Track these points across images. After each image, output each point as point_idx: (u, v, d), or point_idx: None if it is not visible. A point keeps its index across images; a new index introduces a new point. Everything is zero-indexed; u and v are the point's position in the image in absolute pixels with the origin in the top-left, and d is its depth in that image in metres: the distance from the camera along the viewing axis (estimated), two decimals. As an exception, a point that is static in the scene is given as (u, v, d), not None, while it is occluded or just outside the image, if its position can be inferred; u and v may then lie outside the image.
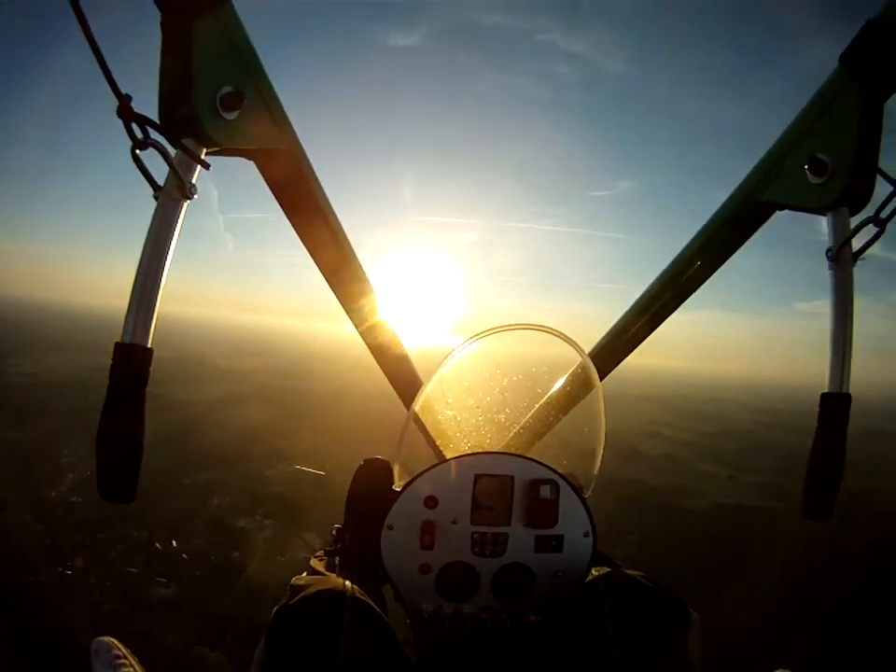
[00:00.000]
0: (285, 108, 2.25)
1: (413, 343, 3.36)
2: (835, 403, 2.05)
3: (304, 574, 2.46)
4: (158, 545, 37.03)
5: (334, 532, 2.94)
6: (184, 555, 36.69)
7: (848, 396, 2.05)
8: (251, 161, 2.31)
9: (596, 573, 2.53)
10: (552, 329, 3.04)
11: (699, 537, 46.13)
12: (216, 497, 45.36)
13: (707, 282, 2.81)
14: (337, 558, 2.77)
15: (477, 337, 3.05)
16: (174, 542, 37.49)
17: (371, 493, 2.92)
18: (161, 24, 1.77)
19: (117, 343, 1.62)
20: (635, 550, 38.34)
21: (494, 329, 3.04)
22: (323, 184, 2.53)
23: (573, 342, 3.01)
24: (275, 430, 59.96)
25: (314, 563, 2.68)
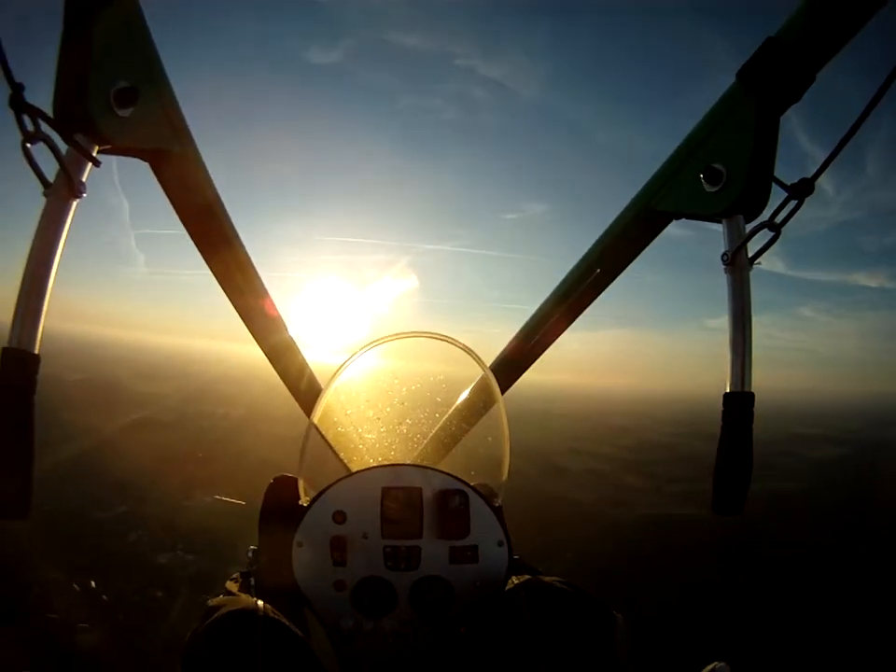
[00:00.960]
0: (183, 111, 2.27)
1: (317, 359, 3.49)
2: (738, 401, 2.16)
3: (221, 596, 2.41)
4: (76, 587, 34.85)
5: (250, 554, 3.00)
6: (104, 597, 34.64)
7: (751, 394, 2.15)
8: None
9: (517, 580, 2.58)
10: (450, 338, 3.13)
11: (632, 546, 47.24)
12: (132, 533, 43.24)
13: (623, 300, 2.90)
14: (252, 579, 2.77)
15: (373, 344, 3.14)
16: (92, 583, 35.29)
17: (281, 511, 2.88)
18: (64, 15, 1.76)
19: (3, 349, 1.64)
20: (573, 566, 38.43)
21: (389, 336, 3.12)
22: (233, 197, 2.14)
23: (472, 352, 3.11)
24: (190, 457, 57.45)
25: (229, 585, 2.70)
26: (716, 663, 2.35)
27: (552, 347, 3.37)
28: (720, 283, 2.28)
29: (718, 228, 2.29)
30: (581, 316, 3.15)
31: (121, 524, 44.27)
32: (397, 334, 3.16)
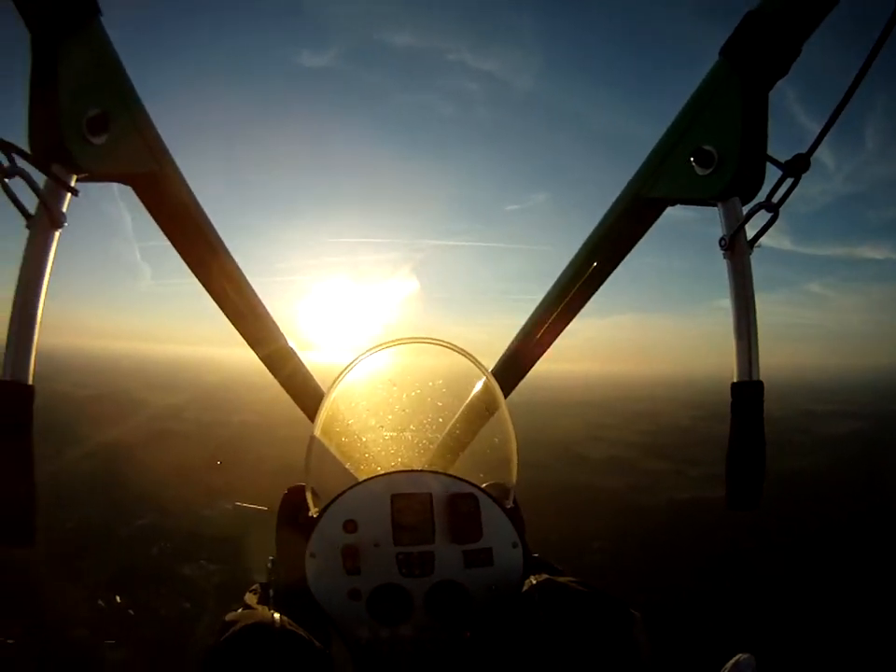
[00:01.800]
0: (159, 130, 2.28)
1: (329, 360, 3.53)
2: (747, 391, 2.10)
3: (238, 610, 2.40)
4: (101, 602, 34.63)
5: (269, 565, 2.91)
6: (130, 612, 34.34)
7: (760, 383, 2.08)
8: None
9: (535, 581, 2.55)
10: (447, 342, 3.10)
11: (660, 533, 46.66)
12: (155, 546, 43.07)
13: (628, 286, 3.17)
14: (271, 591, 2.70)
15: (372, 351, 3.10)
16: (118, 598, 35.10)
17: (296, 520, 2.86)
18: (30, 47, 1.76)
19: None
20: (601, 555, 38.20)
21: (388, 343, 3.10)
22: (233, 204, 2.69)
23: (471, 356, 3.11)
24: (209, 466, 57.39)
25: (248, 598, 2.65)
26: (740, 655, 2.24)
27: (562, 336, 3.27)
28: (723, 263, 2.19)
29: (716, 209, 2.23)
30: (583, 308, 3.11)
31: (143, 536, 44.08)
32: (395, 340, 3.14)
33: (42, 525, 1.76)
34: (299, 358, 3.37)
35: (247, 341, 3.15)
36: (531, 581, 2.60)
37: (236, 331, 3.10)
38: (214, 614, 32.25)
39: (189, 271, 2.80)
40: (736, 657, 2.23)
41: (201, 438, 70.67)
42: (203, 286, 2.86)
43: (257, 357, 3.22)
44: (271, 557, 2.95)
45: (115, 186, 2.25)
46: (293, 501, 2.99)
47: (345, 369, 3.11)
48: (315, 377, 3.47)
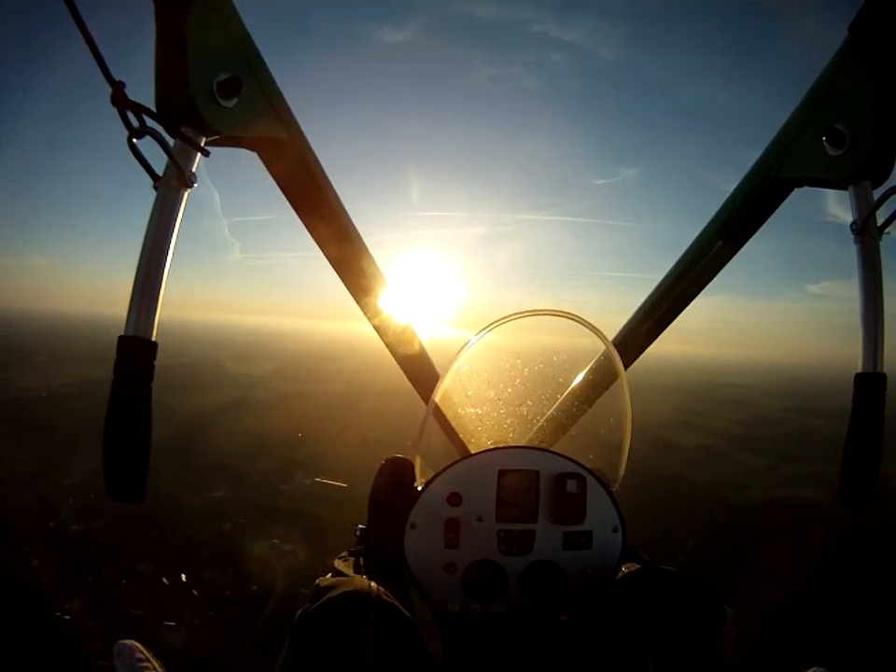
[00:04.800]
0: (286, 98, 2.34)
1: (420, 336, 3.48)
2: (870, 384, 2.06)
3: (329, 575, 2.47)
4: (165, 580, 33.16)
5: (358, 533, 3.03)
6: (194, 592, 32.75)
7: (883, 376, 2.05)
8: (251, 161, 2.38)
9: (626, 570, 2.59)
10: (573, 314, 3.09)
11: (757, 536, 42.98)
12: (228, 521, 41.76)
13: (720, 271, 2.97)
14: (361, 559, 2.80)
15: (495, 325, 3.08)
16: (183, 577, 33.61)
17: (393, 492, 2.94)
18: (156, 11, 1.81)
19: (120, 337, 1.68)
20: (695, 557, 35.55)
21: (512, 315, 3.08)
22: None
23: (596, 328, 3.13)
24: (290, 438, 57.02)
25: (338, 564, 2.73)
26: (816, 668, 2.24)
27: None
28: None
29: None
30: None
31: (216, 510, 43.02)
32: (518, 313, 3.06)
33: (105, 494, 1.72)
34: (416, 335, 3.36)
35: (365, 313, 3.15)
36: (623, 570, 2.61)
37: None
38: (281, 599, 30.94)
39: (313, 240, 2.77)
40: (812, 669, 2.23)
41: (282, 408, 70.37)
42: (325, 255, 2.87)
43: (377, 334, 3.24)
44: (360, 526, 3.03)
45: (202, 167, 1.92)
46: (391, 472, 3.00)
47: (469, 341, 3.08)
48: (428, 354, 3.46)
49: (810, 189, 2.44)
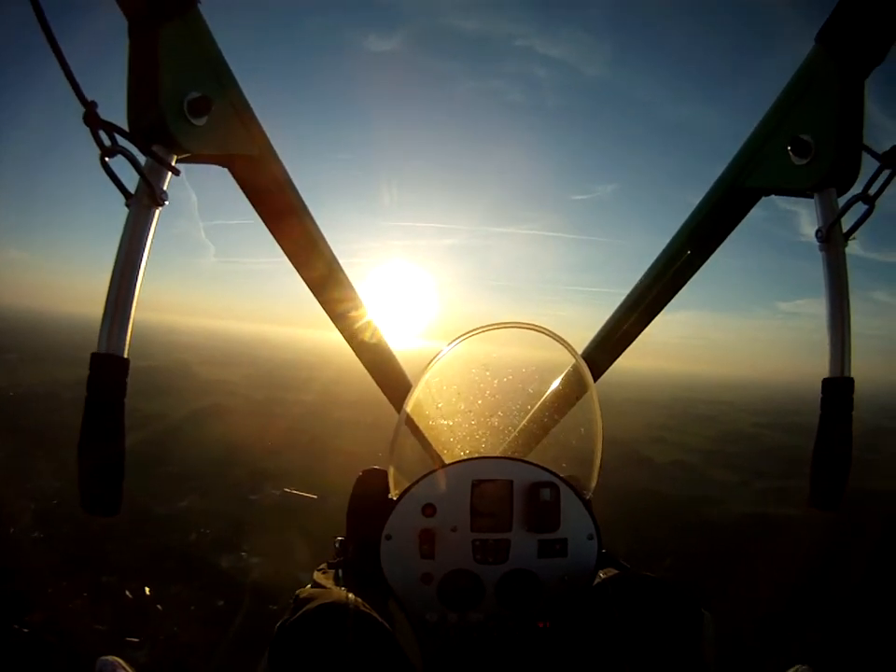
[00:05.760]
0: (257, 115, 2.33)
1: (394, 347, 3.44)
2: (838, 388, 2.09)
3: (308, 587, 2.47)
4: (129, 594, 32.24)
5: (337, 545, 3.03)
6: (159, 606, 31.86)
7: (851, 380, 2.08)
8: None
9: (604, 576, 2.60)
10: (542, 327, 3.11)
11: (733, 551, 44.36)
12: (194, 532, 40.93)
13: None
14: (340, 571, 2.78)
15: (464, 337, 3.11)
16: (147, 590, 32.71)
17: (371, 503, 2.89)
18: (129, 31, 1.83)
19: (93, 354, 1.71)
20: (674, 574, 34.98)
21: (482, 327, 3.10)
22: (300, 189, 2.62)
23: (564, 340, 3.12)
24: (259, 446, 56.42)
25: (317, 576, 2.71)
26: (798, 666, 2.29)
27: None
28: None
29: (789, 206, 2.66)
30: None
31: (182, 520, 42.25)
32: (488, 325, 3.08)
33: (73, 498, 1.81)
34: (387, 345, 3.33)
35: (337, 326, 3.13)
36: (600, 576, 2.62)
37: (310, 309, 3.15)
38: (249, 615, 30.06)
39: (283, 253, 2.80)
40: (794, 668, 2.27)
41: (252, 416, 69.63)
42: (296, 268, 2.86)
43: (348, 344, 3.22)
44: (339, 537, 3.02)
45: (182, 169, 1.96)
46: (367, 483, 3.03)
47: (440, 352, 3.10)
48: (401, 364, 3.42)
49: (778, 198, 2.49)
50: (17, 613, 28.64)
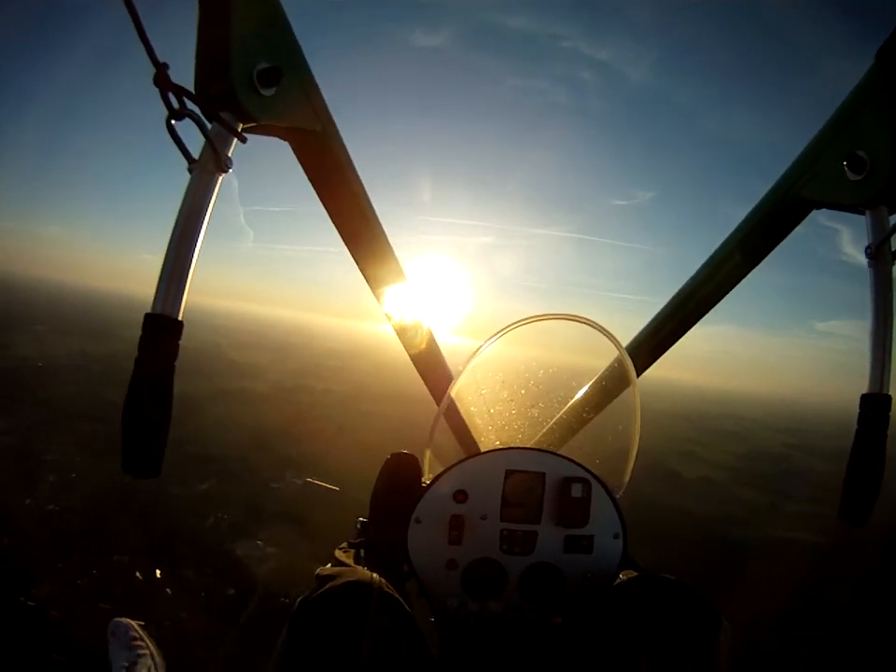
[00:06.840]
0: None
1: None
2: (875, 404, 2.06)
3: (329, 565, 2.47)
4: (139, 574, 31.59)
5: (358, 525, 3.04)
6: (168, 590, 31.17)
7: (888, 397, 2.06)
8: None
9: (624, 577, 2.57)
10: (589, 320, 3.16)
11: (760, 577, 41.06)
12: (212, 516, 40.41)
13: (734, 288, 2.90)
14: (362, 551, 2.78)
15: (513, 326, 3.18)
16: (158, 572, 32.08)
17: (397, 486, 2.94)
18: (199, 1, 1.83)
19: (147, 314, 1.67)
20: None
21: (531, 318, 3.17)
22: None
23: (611, 334, 3.17)
24: (285, 434, 56.09)
25: (339, 554, 2.71)
26: None
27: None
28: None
29: (831, 223, 2.98)
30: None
31: (201, 503, 41.70)
32: (537, 316, 3.16)
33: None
34: (432, 335, 3.36)
35: (386, 313, 3.12)
36: (621, 577, 2.60)
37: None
38: (259, 607, 29.56)
39: (338, 235, 2.75)
40: None
41: (281, 403, 69.68)
42: (350, 251, 2.85)
43: (395, 334, 3.23)
44: (361, 518, 3.02)
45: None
46: (396, 467, 3.01)
47: (486, 341, 3.18)
48: (443, 355, 3.45)
49: (829, 212, 2.42)
50: (24, 586, 27.98)
